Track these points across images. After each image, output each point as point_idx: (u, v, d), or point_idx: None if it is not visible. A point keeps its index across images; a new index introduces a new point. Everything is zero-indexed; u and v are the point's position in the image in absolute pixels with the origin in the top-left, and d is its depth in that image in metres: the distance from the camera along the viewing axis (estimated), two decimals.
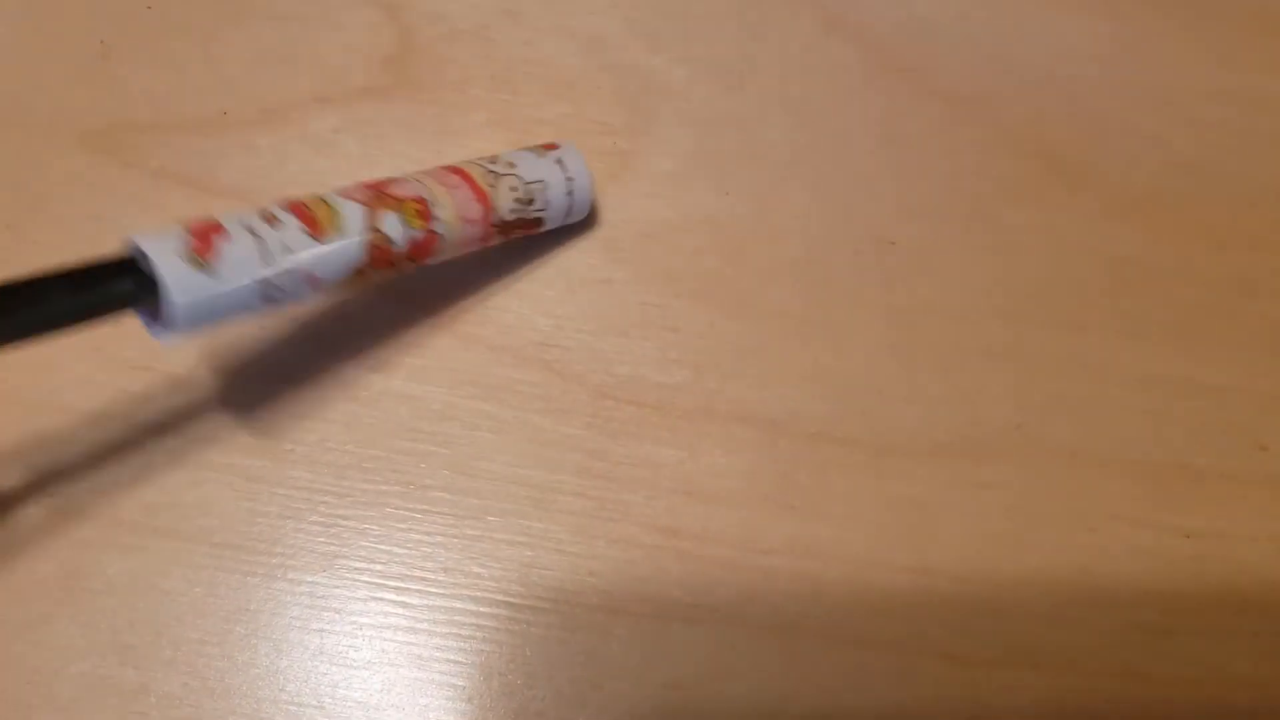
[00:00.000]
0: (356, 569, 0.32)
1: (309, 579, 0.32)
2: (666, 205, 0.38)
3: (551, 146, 0.35)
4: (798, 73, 0.41)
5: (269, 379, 0.34)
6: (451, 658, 0.32)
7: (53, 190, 0.36)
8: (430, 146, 0.38)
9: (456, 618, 0.32)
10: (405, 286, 0.36)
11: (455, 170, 0.33)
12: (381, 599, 0.32)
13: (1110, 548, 0.35)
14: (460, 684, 0.31)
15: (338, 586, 0.32)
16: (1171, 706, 0.33)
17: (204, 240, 0.27)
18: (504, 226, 0.34)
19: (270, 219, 0.28)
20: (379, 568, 0.32)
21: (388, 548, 0.33)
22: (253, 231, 0.28)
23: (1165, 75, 0.43)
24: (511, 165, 0.34)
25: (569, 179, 0.35)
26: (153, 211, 0.36)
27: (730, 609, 0.33)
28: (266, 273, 0.28)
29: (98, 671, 0.31)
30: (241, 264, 0.27)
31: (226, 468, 0.33)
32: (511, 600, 0.32)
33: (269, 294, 0.28)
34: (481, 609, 0.32)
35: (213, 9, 0.39)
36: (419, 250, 0.31)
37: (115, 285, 0.26)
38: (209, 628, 0.31)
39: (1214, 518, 0.35)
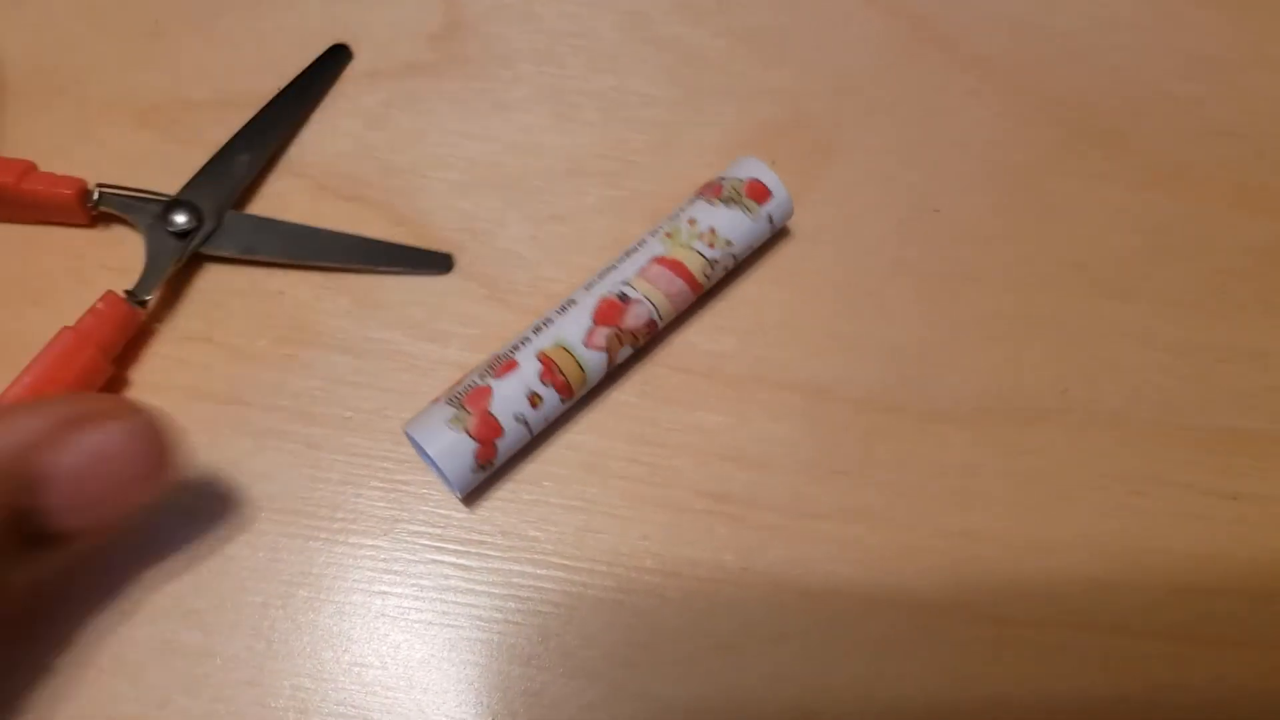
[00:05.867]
0: (416, 532, 0.33)
1: (370, 543, 0.33)
2: (709, 174, 0.38)
3: (761, 193, 0.35)
4: (837, 44, 0.41)
5: (328, 348, 0.35)
6: (510, 619, 0.32)
7: (111, 167, 0.36)
8: (478, 120, 0.38)
9: (514, 580, 0.33)
10: (458, 263, 0.36)
11: (678, 270, 0.34)
12: (441, 561, 0.33)
13: (1155, 511, 0.35)
14: (518, 644, 0.32)
15: (398, 550, 0.33)
16: (1214, 666, 0.33)
17: (488, 446, 0.31)
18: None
19: (534, 400, 0.32)
20: (438, 531, 0.33)
21: (446, 512, 0.33)
22: (524, 421, 0.32)
23: (1202, 42, 0.43)
24: (729, 244, 0.34)
25: (774, 228, 0.36)
26: None
27: (779, 573, 0.33)
28: (529, 439, 0.33)
29: (164, 635, 0.31)
30: (513, 447, 0.32)
31: (287, 435, 0.34)
32: (567, 563, 0.33)
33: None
34: (539, 571, 0.33)
35: None
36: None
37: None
38: (272, 591, 0.32)
39: (1259, 480, 0.36)
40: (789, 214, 0.36)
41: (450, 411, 0.31)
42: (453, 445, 0.31)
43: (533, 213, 0.37)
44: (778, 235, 0.38)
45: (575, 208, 0.38)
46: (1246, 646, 0.33)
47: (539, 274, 0.36)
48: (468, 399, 0.31)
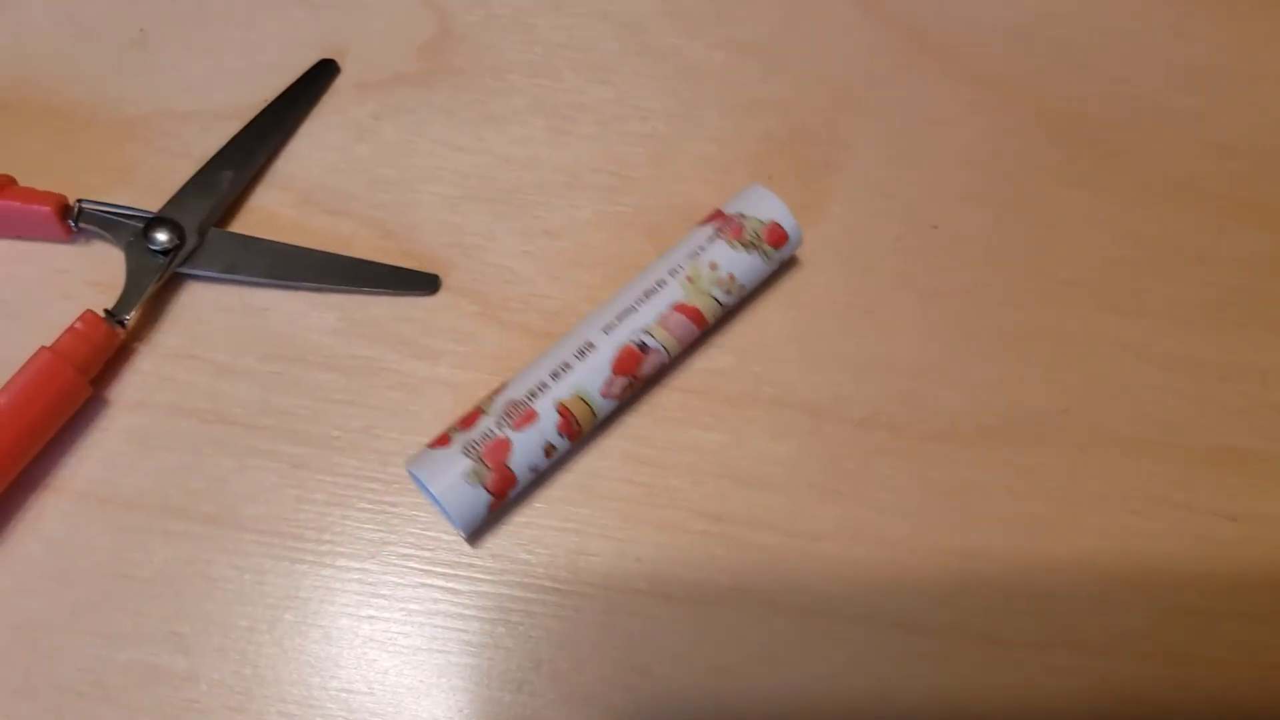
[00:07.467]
0: (405, 555, 0.32)
1: (358, 566, 0.32)
2: (707, 189, 0.38)
3: (781, 238, 0.34)
4: (836, 57, 0.41)
5: (315, 366, 0.34)
6: (500, 644, 0.32)
7: (94, 179, 0.36)
8: (469, 133, 0.38)
9: (505, 604, 0.32)
10: (448, 279, 0.36)
11: (695, 317, 0.33)
12: (431, 585, 0.32)
13: (1154, 531, 0.35)
14: (509, 669, 0.31)
15: (387, 573, 0.32)
16: (1214, 689, 0.33)
17: (500, 497, 0.31)
18: None
19: (549, 451, 0.31)
20: (428, 554, 0.32)
21: (436, 534, 0.32)
22: (536, 470, 0.31)
23: (1202, 55, 0.43)
24: (744, 289, 0.34)
25: (781, 263, 0.35)
26: None
27: (776, 594, 0.33)
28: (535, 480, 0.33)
29: (147, 659, 0.31)
30: (522, 492, 0.32)
31: (273, 454, 0.33)
32: (559, 586, 0.32)
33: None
34: (530, 595, 0.32)
35: None
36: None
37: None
38: (258, 615, 0.31)
39: (1259, 500, 0.35)
40: (795, 249, 0.35)
41: (468, 465, 0.30)
42: (472, 502, 0.30)
43: (525, 227, 0.37)
44: None
45: (570, 223, 0.37)
46: (1246, 669, 0.33)
47: (532, 290, 0.36)
48: (486, 453, 0.30)
